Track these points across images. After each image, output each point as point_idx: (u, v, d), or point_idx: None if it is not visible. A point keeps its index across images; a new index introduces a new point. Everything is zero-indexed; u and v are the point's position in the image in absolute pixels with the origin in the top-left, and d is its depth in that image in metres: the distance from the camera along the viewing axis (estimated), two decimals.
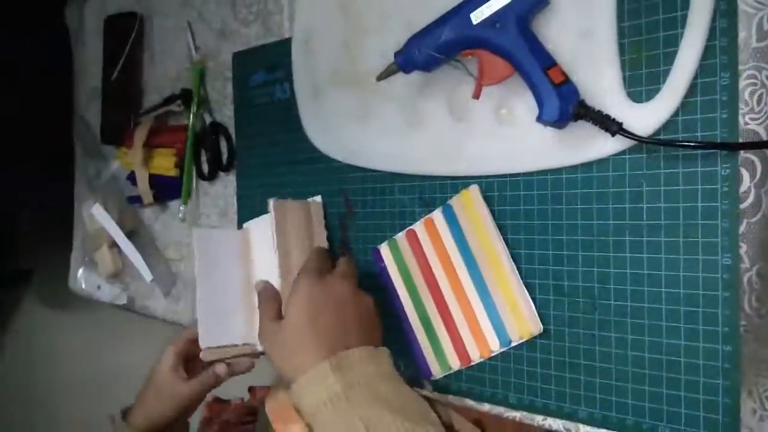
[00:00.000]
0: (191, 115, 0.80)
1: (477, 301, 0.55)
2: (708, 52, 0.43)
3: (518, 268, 0.52)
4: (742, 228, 0.42)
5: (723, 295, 0.43)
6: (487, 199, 0.54)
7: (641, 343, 0.46)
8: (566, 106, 0.46)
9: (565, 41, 0.48)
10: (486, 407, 0.55)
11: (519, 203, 0.52)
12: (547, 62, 0.47)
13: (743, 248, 0.42)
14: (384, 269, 0.61)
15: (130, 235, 0.91)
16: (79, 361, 2.56)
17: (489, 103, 0.53)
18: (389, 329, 0.55)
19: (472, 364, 0.56)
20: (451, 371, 0.57)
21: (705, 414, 0.43)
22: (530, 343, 0.52)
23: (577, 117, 0.46)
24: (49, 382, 2.75)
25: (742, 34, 0.42)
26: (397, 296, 0.60)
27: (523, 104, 0.51)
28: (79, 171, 1.03)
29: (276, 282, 0.58)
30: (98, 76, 0.96)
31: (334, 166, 0.65)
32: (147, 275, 0.89)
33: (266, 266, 0.62)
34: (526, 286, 0.52)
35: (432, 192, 0.58)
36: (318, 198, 0.67)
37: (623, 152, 0.47)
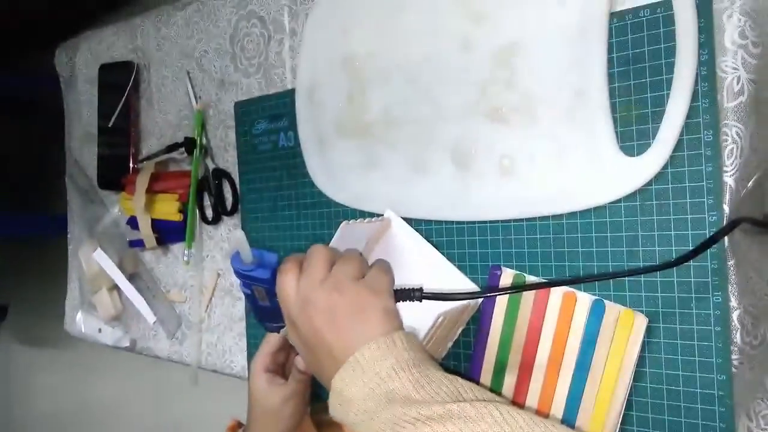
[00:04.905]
0: (194, 162, 0.82)
1: (563, 393, 0.54)
2: (692, 111, 0.47)
3: None
4: (729, 268, 0.47)
5: (715, 329, 0.47)
6: (493, 243, 0.58)
7: (642, 375, 0.51)
8: None
9: (562, 99, 0.53)
10: None
11: (523, 246, 0.57)
12: None
13: (731, 288, 0.47)
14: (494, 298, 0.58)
15: (131, 278, 0.93)
16: (59, 396, 2.52)
17: (491, 154, 0.57)
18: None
19: None
20: None
21: None
22: None
23: None
24: (27, 419, 2.69)
25: (718, 96, 0.47)
26: (488, 329, 0.58)
27: (523, 154, 0.55)
28: (74, 215, 1.04)
29: None
30: (92, 121, 0.98)
31: (340, 210, 0.69)
32: (150, 317, 0.91)
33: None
34: None
35: (438, 236, 0.62)
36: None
37: (618, 201, 0.51)
